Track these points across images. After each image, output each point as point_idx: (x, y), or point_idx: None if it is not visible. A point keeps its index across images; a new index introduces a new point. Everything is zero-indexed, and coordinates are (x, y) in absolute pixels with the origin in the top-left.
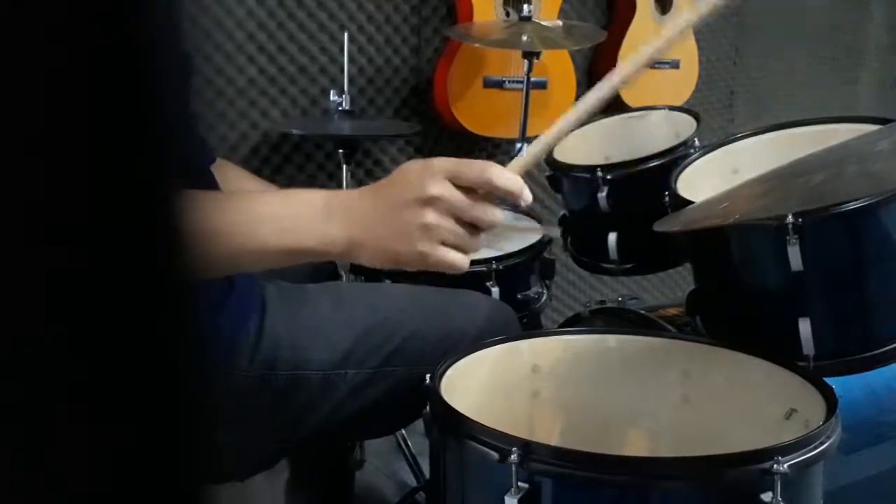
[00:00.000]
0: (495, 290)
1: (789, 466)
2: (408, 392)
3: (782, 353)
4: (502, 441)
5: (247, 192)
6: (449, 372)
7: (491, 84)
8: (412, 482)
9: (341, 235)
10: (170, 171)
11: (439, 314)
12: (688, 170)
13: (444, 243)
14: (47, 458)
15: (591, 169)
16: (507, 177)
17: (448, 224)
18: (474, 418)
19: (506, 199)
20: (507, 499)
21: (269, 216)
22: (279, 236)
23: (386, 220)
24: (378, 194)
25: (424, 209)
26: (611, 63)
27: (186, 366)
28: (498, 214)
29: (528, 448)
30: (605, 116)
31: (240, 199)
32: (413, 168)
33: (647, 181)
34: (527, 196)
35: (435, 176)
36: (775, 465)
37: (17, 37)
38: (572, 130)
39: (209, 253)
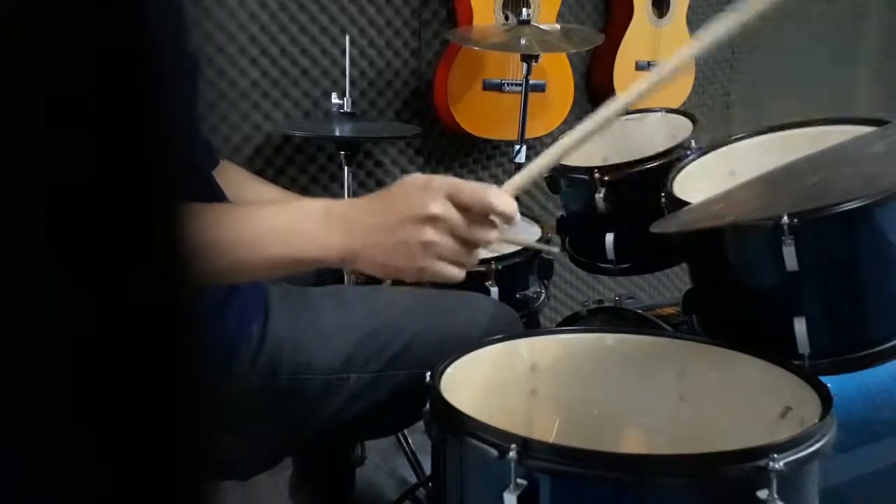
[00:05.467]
0: (494, 290)
1: (785, 464)
2: (409, 395)
3: (778, 352)
4: (501, 438)
5: (248, 205)
6: (449, 370)
7: (490, 87)
8: (412, 479)
9: (339, 244)
10: (174, 178)
11: (442, 317)
12: (684, 171)
13: (441, 258)
14: (49, 459)
15: (589, 170)
16: (506, 201)
17: (447, 241)
18: (473, 416)
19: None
20: (505, 495)
21: (272, 228)
22: (281, 247)
23: (385, 233)
24: (377, 206)
25: (425, 227)
26: (608, 65)
27: (188, 368)
28: (494, 234)
29: (527, 445)
30: None
31: (242, 212)
32: (414, 185)
33: (644, 182)
34: (517, 221)
35: (436, 195)
36: (771, 463)
37: (19, 36)
38: (568, 153)
39: (212, 264)
